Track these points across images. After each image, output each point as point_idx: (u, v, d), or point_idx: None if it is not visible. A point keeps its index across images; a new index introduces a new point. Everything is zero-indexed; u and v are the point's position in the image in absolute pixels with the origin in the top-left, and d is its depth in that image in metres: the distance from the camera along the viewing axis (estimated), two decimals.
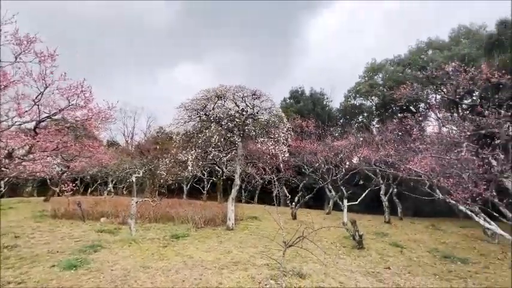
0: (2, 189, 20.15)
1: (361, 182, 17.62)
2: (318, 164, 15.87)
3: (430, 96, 18.38)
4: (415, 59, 23.36)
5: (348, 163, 15.94)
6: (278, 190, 19.35)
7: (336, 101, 37.99)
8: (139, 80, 60.94)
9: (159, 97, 58.04)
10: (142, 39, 64.57)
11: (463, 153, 6.23)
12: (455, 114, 11.40)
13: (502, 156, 4.99)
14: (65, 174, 17.66)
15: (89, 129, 8.52)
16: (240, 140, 11.41)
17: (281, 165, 17.98)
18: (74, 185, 10.21)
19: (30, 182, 25.58)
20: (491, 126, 5.31)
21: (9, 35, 5.71)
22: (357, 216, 13.98)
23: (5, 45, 5.74)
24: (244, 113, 11.41)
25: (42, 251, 7.00)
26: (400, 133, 13.04)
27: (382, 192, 15.92)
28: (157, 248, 7.61)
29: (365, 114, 27.15)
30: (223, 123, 11.27)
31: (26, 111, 6.22)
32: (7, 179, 16.37)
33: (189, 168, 10.66)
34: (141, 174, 12.04)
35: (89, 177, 24.70)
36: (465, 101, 8.33)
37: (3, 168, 6.47)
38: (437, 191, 7.48)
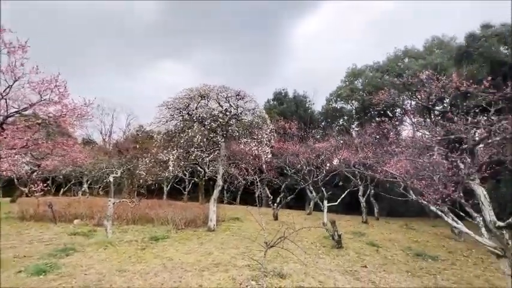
0: None
1: (341, 183, 18.17)
2: (299, 166, 16.15)
3: (405, 102, 19.28)
4: (392, 66, 24.50)
5: (328, 165, 16.41)
6: (260, 191, 19.43)
7: (318, 104, 39.07)
8: (121, 79, 58.78)
9: (143, 96, 56.39)
10: (125, 39, 62.44)
11: (434, 157, 6.62)
12: (428, 120, 12.06)
13: (469, 160, 5.35)
14: (35, 173, 16.60)
15: (63, 126, 8.10)
16: (223, 140, 11.34)
17: (264, 166, 18.13)
18: (44, 185, 9.55)
19: None
20: (460, 131, 5.66)
21: None
22: (337, 216, 14.39)
23: None
24: (227, 113, 11.36)
25: (7, 255, 6.55)
26: (377, 136, 13.56)
27: (360, 193, 16.48)
28: (135, 250, 7.37)
29: (345, 118, 28.03)
30: (206, 123, 11.16)
31: None
32: None
33: (170, 168, 10.47)
34: (119, 174, 11.57)
35: (61, 176, 23.41)
36: (437, 108, 8.82)
37: None
38: (411, 192, 7.87)
